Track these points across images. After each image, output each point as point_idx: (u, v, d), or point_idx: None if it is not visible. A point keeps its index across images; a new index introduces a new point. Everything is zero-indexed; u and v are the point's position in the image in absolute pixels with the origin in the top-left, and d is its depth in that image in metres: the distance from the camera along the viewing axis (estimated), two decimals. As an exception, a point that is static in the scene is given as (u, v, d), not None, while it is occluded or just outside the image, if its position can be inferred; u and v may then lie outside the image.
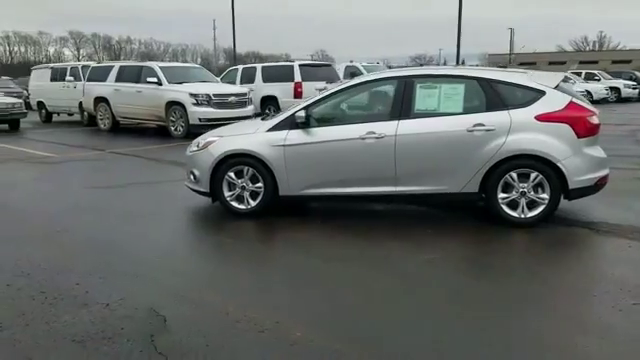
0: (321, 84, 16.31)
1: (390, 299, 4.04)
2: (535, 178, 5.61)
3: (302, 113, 6.06)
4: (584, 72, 33.13)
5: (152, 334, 3.45)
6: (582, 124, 5.60)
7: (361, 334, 3.47)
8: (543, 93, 5.72)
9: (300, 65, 16.82)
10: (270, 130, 6.22)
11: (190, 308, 3.85)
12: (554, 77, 6.10)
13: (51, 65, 21.16)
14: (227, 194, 6.30)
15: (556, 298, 4.02)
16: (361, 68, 19.81)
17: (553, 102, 5.66)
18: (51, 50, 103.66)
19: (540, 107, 5.65)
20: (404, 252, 5.10)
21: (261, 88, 16.91)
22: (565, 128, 5.57)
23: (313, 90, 15.74)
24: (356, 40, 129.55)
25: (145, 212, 6.70)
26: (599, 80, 31.37)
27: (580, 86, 28.75)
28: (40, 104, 20.06)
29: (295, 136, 6.08)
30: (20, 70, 76.82)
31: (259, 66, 17.95)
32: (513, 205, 5.71)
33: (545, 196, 5.62)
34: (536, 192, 5.65)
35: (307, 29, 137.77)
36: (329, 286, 4.33)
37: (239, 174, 6.25)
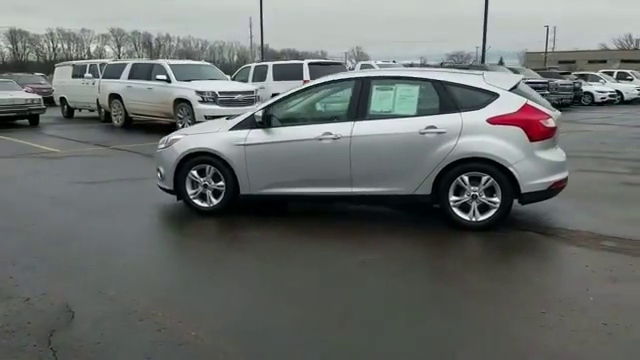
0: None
1: (299, 300, 4.07)
2: (486, 181, 5.55)
3: (260, 113, 6.13)
4: (616, 71, 32.24)
5: (54, 330, 3.56)
6: (535, 127, 5.50)
7: (256, 335, 3.51)
8: (497, 95, 5.64)
9: (309, 64, 16.92)
10: (232, 129, 6.29)
11: (102, 305, 3.94)
12: (510, 79, 6.03)
13: (72, 62, 21.75)
14: (190, 192, 6.41)
15: (468, 303, 3.95)
16: (376, 67, 19.72)
17: (506, 105, 5.58)
18: (92, 47, 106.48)
19: (492, 110, 5.57)
20: (345, 252, 5.11)
21: (271, 86, 17.00)
22: (517, 131, 5.48)
23: None
24: (394, 37, 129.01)
25: (115, 208, 6.85)
26: (632, 80, 30.46)
27: (610, 86, 28.04)
28: (62, 100, 20.65)
29: (255, 135, 6.14)
30: None
31: (270, 64, 18.08)
32: (465, 208, 5.66)
33: (497, 200, 5.55)
34: (488, 195, 5.58)
35: (345, 26, 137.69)
36: (252, 286, 4.38)
37: (202, 172, 6.34)
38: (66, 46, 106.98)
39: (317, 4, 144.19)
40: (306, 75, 16.30)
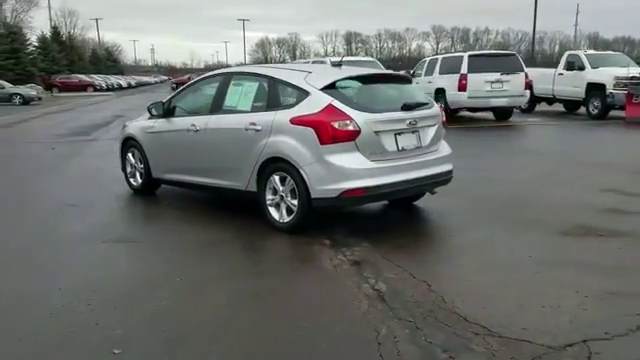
0: (493, 75, 15.35)
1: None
2: (289, 183, 5.39)
3: (159, 104, 6.88)
4: None
5: None
6: (324, 130, 5.08)
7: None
8: (308, 94, 5.38)
9: (470, 55, 15.87)
10: (149, 118, 7.13)
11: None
12: (335, 75, 5.54)
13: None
14: (128, 171, 7.56)
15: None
16: (583, 58, 17.33)
17: (312, 104, 5.28)
18: (413, 45, 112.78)
19: (298, 109, 5.33)
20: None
21: (437, 80, 16.63)
22: (310, 133, 5.16)
23: (483, 82, 15.02)
24: None
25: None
26: None
27: None
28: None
29: (157, 124, 6.91)
30: (385, 63, 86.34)
31: (440, 57, 17.52)
32: (278, 208, 5.58)
33: (296, 202, 5.36)
34: (292, 197, 5.38)
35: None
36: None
37: (133, 155, 7.42)
38: (391, 44, 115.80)
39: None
40: (463, 68, 15.44)
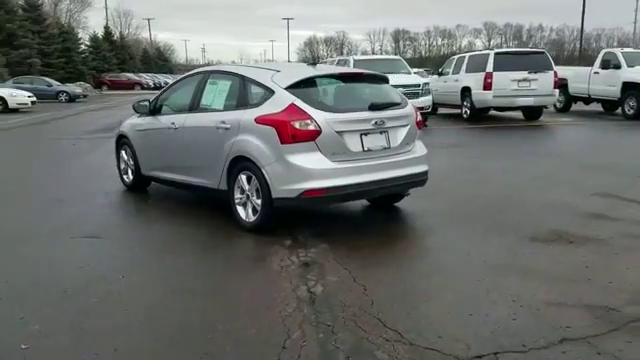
0: (520, 74, 14.92)
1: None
2: (254, 182, 5.37)
3: (146, 102, 6.97)
4: None
5: None
6: (284, 129, 5.03)
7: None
8: (273, 93, 5.34)
9: (497, 53, 15.42)
10: (139, 116, 7.24)
11: None
12: (299, 74, 5.47)
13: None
14: (121, 168, 7.69)
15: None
16: (619, 56, 16.63)
17: (276, 104, 5.23)
18: (464, 42, 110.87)
19: (263, 108, 5.30)
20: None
21: (463, 78, 16.27)
22: (272, 132, 5.13)
23: (509, 81, 14.65)
24: None
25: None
26: None
27: None
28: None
29: (145, 122, 7.01)
30: (433, 61, 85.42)
31: (467, 55, 17.09)
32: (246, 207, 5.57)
33: (259, 202, 5.34)
34: (257, 197, 5.37)
35: None
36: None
37: (126, 153, 7.55)
38: (440, 42, 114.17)
39: None
40: (489, 66, 15.04)
